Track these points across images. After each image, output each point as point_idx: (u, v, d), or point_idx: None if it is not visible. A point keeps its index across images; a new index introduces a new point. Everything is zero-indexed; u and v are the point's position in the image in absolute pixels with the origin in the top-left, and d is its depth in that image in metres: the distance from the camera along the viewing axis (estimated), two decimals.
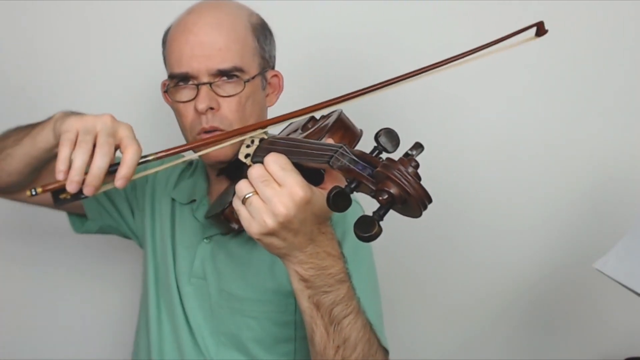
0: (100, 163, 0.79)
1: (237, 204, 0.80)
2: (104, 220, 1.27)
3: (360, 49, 1.59)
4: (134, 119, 1.55)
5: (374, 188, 0.70)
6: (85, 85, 1.55)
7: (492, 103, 1.64)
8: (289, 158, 0.79)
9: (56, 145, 0.85)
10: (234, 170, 1.05)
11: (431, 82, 1.61)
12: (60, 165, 0.79)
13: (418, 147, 0.73)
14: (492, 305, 1.71)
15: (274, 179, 0.77)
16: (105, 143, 0.80)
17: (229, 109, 1.04)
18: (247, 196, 0.78)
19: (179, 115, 1.08)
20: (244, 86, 1.04)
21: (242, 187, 0.79)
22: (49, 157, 0.95)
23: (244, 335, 1.08)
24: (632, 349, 1.65)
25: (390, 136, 0.77)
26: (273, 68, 1.14)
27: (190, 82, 1.04)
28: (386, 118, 1.68)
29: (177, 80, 1.06)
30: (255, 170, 0.78)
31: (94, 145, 0.80)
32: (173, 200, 1.21)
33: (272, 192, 0.76)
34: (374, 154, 0.76)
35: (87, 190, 0.79)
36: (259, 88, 1.09)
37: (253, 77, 1.06)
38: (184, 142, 1.09)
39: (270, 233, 0.77)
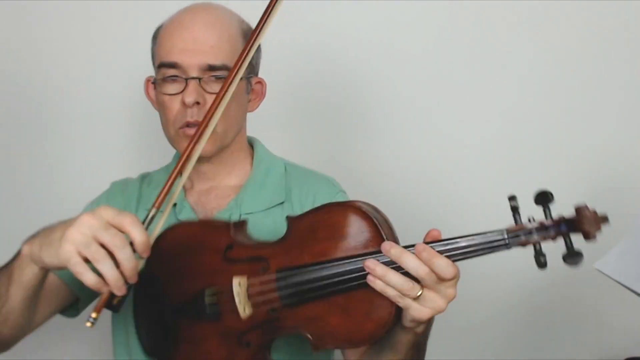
0: (124, 256, 0.82)
1: (407, 302, 0.91)
2: (91, 290, 1.28)
3: (346, 53, 1.61)
4: (131, 119, 1.56)
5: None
6: (84, 85, 1.56)
7: (492, 103, 1.64)
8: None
9: (43, 271, 0.92)
10: None
11: (432, 80, 1.62)
12: (94, 284, 0.83)
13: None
14: (492, 305, 1.70)
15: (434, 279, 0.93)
16: (112, 238, 0.81)
17: None
18: (419, 294, 0.91)
19: (163, 109, 1.11)
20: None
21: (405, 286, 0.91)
22: (40, 285, 0.97)
23: None
24: (632, 349, 1.65)
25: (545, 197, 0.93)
26: (257, 75, 1.19)
27: (180, 76, 1.07)
28: (389, 119, 1.68)
29: (165, 73, 1.08)
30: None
31: (104, 246, 0.82)
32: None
33: (442, 287, 0.94)
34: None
35: (132, 280, 0.83)
36: (243, 91, 1.13)
37: (240, 79, 1.08)
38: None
39: (441, 311, 0.95)
